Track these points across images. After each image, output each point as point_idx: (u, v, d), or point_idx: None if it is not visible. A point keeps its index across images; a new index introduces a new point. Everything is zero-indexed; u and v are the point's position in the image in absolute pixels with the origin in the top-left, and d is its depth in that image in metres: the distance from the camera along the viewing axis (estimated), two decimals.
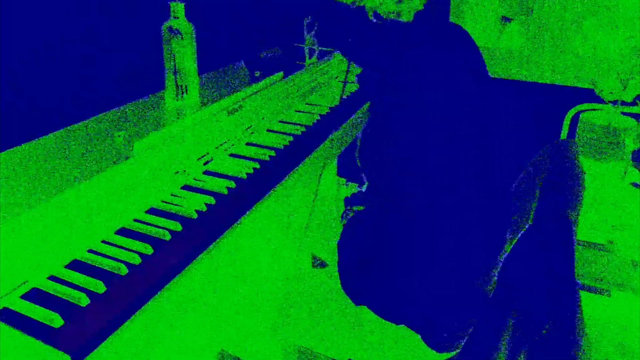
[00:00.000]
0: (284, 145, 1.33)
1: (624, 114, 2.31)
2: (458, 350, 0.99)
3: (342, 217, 1.27)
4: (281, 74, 1.56)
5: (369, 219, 1.14)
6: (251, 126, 1.39)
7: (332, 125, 1.51)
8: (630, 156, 2.12)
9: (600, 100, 2.33)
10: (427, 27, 0.90)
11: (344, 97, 1.64)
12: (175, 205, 1.02)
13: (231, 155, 1.27)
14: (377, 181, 0.96)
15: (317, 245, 1.40)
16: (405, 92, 0.85)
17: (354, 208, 1.26)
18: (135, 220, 0.98)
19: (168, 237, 0.92)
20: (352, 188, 2.15)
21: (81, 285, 0.78)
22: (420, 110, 0.82)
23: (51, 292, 0.77)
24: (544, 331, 0.62)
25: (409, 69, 0.85)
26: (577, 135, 2.32)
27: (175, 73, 1.27)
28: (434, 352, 1.01)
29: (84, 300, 0.75)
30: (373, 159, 0.96)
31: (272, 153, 1.27)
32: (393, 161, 0.89)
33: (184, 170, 1.13)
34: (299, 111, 1.60)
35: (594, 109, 2.38)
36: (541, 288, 0.75)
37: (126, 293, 0.78)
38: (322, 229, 1.46)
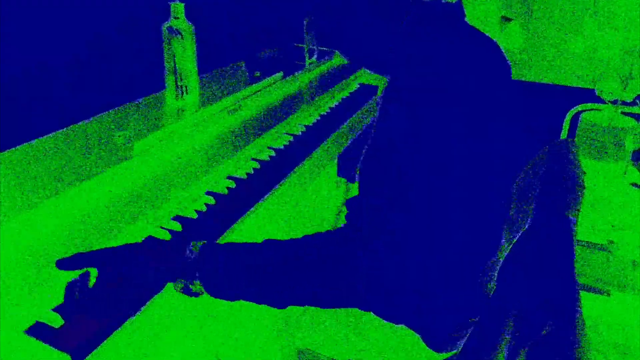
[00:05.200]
0: (283, 145, 1.33)
1: (624, 114, 2.31)
2: (457, 351, 0.99)
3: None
4: (281, 74, 1.56)
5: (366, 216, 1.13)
6: (251, 126, 1.39)
7: (332, 125, 1.51)
8: (630, 156, 2.12)
9: (600, 100, 2.33)
10: (440, 24, 0.89)
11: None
12: (176, 205, 1.02)
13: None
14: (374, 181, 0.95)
15: None
16: (410, 89, 0.83)
17: None
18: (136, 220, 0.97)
19: (168, 237, 0.92)
20: (352, 188, 2.15)
21: None
22: (422, 106, 0.81)
23: None
24: (544, 331, 0.62)
25: (419, 66, 0.83)
26: (577, 135, 2.32)
27: (175, 73, 1.27)
28: (434, 352, 1.01)
29: None
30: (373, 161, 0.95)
31: (272, 153, 1.27)
32: (390, 157, 0.88)
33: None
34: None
35: (594, 109, 2.39)
36: (541, 288, 0.75)
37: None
38: (321, 229, 1.45)
